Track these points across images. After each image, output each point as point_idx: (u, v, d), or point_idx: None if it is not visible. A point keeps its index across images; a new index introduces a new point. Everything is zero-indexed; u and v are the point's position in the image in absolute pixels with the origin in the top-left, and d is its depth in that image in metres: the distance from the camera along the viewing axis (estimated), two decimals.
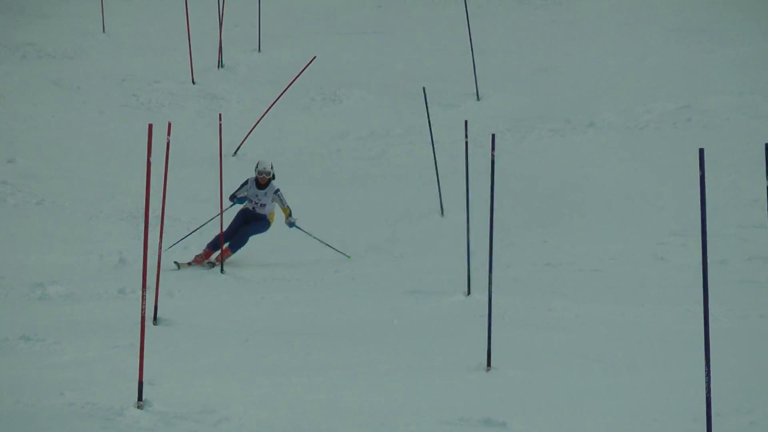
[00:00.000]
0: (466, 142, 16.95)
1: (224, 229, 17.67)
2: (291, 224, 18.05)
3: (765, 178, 7.53)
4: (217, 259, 17.77)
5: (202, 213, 18.32)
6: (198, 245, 17.85)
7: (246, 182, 18.16)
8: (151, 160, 11.76)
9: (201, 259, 17.80)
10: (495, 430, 10.24)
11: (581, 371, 12.47)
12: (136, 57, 27.41)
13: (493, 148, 13.65)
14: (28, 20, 30.48)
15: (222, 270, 17.21)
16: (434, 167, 19.57)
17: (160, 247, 14.61)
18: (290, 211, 18.10)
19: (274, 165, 18.13)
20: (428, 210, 19.34)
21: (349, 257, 17.68)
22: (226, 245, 17.85)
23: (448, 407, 10.87)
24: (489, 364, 12.51)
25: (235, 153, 21.97)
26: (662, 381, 11.77)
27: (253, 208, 18.14)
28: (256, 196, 18.04)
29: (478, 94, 24.24)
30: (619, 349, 13.28)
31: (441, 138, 20.42)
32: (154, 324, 14.15)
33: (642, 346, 13.38)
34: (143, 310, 11.29)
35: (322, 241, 17.91)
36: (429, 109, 21.26)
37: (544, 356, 13.02)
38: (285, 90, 22.75)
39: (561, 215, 18.99)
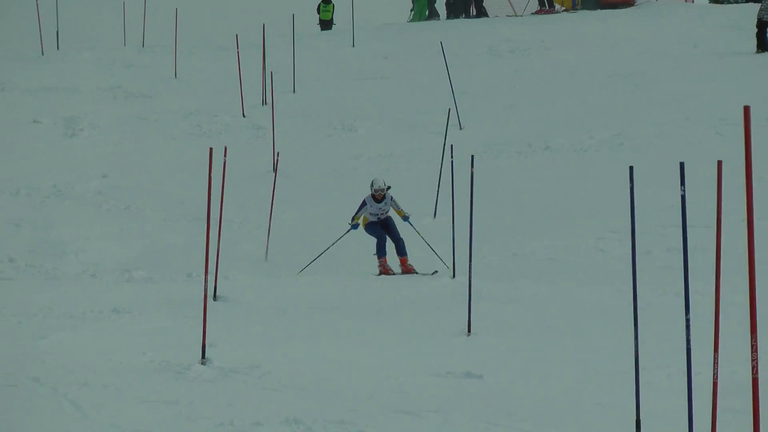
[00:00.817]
0: (452, 161, 16.99)
1: (378, 241, 16.48)
2: (407, 217, 16.67)
3: (679, 188, 7.54)
4: (409, 269, 16.40)
5: (251, 216, 18.33)
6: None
7: (364, 203, 16.61)
8: (212, 175, 11.80)
9: (387, 268, 16.46)
10: (474, 381, 10.25)
11: (539, 336, 12.48)
12: (199, 96, 27.45)
13: (472, 166, 13.69)
14: (117, 69, 30.54)
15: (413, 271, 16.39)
16: (428, 180, 19.59)
17: (218, 242, 14.63)
18: (403, 210, 16.68)
19: (385, 182, 16.68)
20: (422, 212, 19.33)
21: (448, 268, 16.15)
22: (402, 257, 16.50)
23: (438, 363, 10.88)
24: (469, 330, 12.52)
25: (275, 170, 21.96)
26: (601, 343, 11.78)
27: (378, 218, 16.62)
28: (379, 209, 16.53)
29: (460, 125, 24.21)
30: (568, 319, 13.30)
31: (434, 158, 20.42)
32: (214, 300, 14.17)
33: (585, 316, 13.39)
34: (205, 289, 11.33)
35: (429, 245, 16.68)
36: (422, 137, 21.31)
37: (511, 325, 13.04)
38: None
39: (524, 217, 19.00)
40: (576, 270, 16.07)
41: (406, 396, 9.54)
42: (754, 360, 6.62)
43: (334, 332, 12.60)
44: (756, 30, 28.81)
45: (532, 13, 36.76)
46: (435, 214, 19.38)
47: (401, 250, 16.51)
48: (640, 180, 8.69)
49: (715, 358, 7.15)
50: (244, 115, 25.86)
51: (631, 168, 8.33)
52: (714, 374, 7.13)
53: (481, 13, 37.38)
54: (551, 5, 36.54)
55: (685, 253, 7.52)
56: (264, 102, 26.52)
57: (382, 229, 16.57)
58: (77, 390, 9.38)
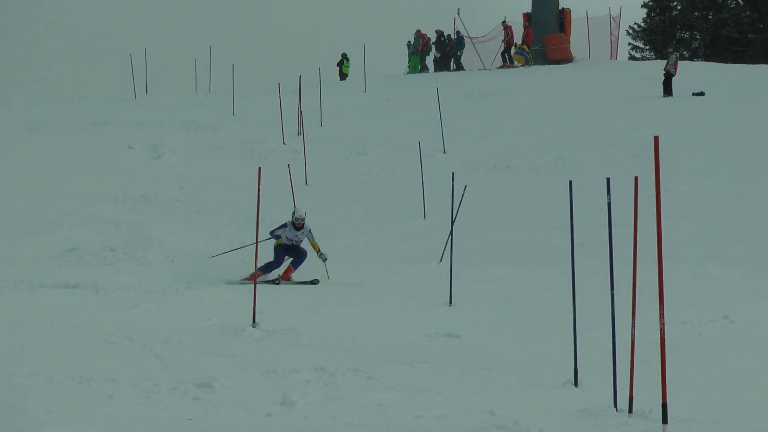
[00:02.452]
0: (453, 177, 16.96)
1: (270, 261, 14.38)
2: (324, 260, 14.45)
3: (606, 197, 7.53)
4: (282, 276, 14.42)
5: (289, 217, 18.28)
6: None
7: (285, 225, 14.61)
8: (260, 187, 11.82)
9: (252, 278, 13.20)
10: (454, 340, 10.25)
11: (502, 306, 12.48)
12: (252, 128, 27.46)
13: (453, 180, 13.68)
14: (190, 108, 30.55)
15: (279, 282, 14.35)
16: (419, 190, 19.58)
17: (260, 237, 14.60)
18: (318, 246, 14.46)
19: (307, 212, 14.85)
20: (415, 214, 19.33)
21: (329, 279, 14.50)
22: (288, 263, 14.50)
23: (427, 326, 10.88)
24: (451, 302, 12.52)
25: (306, 183, 21.97)
26: (547, 312, 11.78)
27: (293, 243, 14.53)
28: (295, 236, 14.44)
29: (444, 150, 24.20)
30: (524, 293, 13.29)
31: (424, 174, 20.41)
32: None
33: (537, 291, 13.39)
34: (255, 270, 11.32)
35: (328, 274, 14.53)
36: (416, 159, 21.27)
37: (482, 297, 13.03)
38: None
39: (492, 217, 19.00)
40: (530, 257, 16.07)
41: (403, 350, 9.54)
42: (662, 324, 6.61)
43: (351, 303, 12.61)
44: (663, 80, 28.88)
45: (497, 68, 36.77)
46: (424, 216, 19.34)
47: (297, 263, 14.44)
48: (576, 191, 8.68)
49: (633, 323, 7.14)
50: (284, 143, 25.88)
51: (570, 182, 8.33)
52: (632, 334, 7.12)
53: (460, 67, 37.42)
54: (511, 62, 36.58)
55: (610, 244, 7.51)
56: (299, 133, 26.53)
57: (288, 256, 14.51)
58: (160, 346, 9.39)
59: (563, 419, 6.91)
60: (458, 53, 37.58)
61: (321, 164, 23.46)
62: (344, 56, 38.48)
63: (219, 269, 15.24)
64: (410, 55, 38.73)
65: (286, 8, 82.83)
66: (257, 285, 11.20)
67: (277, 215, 18.68)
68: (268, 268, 14.44)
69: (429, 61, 38.53)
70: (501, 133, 25.77)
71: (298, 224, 14.46)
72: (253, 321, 10.69)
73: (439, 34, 38.00)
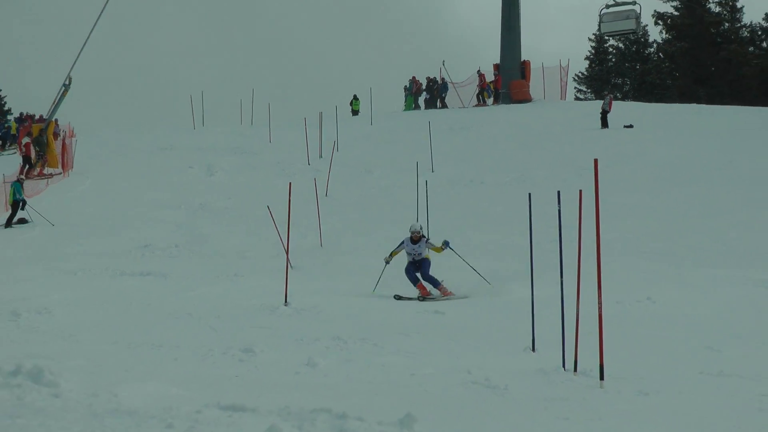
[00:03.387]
0: (427, 190, 16.93)
1: (412, 276, 12.31)
2: (447, 245, 12.33)
3: (556, 206, 7.58)
4: (447, 293, 11.96)
5: (312, 221, 18.25)
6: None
7: (402, 242, 12.55)
8: (290, 197, 11.85)
9: (425, 290, 12.18)
10: (440, 315, 10.31)
11: (477, 290, 12.48)
12: (285, 152, 27.50)
13: (437, 190, 13.66)
14: (237, 137, 30.62)
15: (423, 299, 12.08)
16: (417, 201, 19.58)
17: (292, 240, 14.59)
18: (438, 247, 12.30)
19: (421, 226, 12.64)
20: (411, 219, 19.33)
21: (489, 284, 12.73)
22: (423, 283, 12.23)
23: (419, 306, 10.92)
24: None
25: (327, 195, 21.97)
26: (511, 294, 11.78)
27: (413, 258, 12.35)
28: (414, 250, 12.33)
29: (433, 169, 24.21)
30: (494, 280, 13.27)
31: (417, 188, 20.40)
32: (291, 268, 14.19)
33: (504, 279, 13.37)
34: (287, 262, 11.37)
35: (468, 264, 13.25)
36: (411, 176, 21.23)
37: (462, 287, 13.02)
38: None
39: (469, 221, 18.98)
40: (498, 253, 16.05)
41: (401, 324, 9.58)
42: (600, 303, 6.64)
43: (362, 289, 12.63)
44: (600, 115, 28.91)
45: (473, 106, 36.81)
46: (417, 219, 19.34)
47: (435, 283, 12.21)
48: (534, 201, 8.74)
49: (577, 303, 7.17)
50: (308, 164, 25.91)
51: (529, 194, 8.39)
52: (576, 312, 7.16)
53: (444, 106, 37.47)
54: (484, 101, 36.65)
55: (560, 243, 7.55)
56: (320, 156, 26.57)
57: (415, 271, 12.43)
58: (214, 320, 9.44)
59: (523, 376, 6.95)
60: (443, 95, 37.67)
61: (337, 181, 23.49)
62: (355, 97, 38.57)
63: (254, 263, 15.25)
64: (406, 96, 38.82)
65: (310, 61, 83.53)
66: (288, 275, 11.19)
67: (303, 218, 18.71)
68: (414, 281, 12.40)
69: (421, 100, 38.62)
70: (476, 157, 25.79)
71: (415, 237, 12.33)
72: (285, 301, 10.74)
73: (429, 80, 38.10)
